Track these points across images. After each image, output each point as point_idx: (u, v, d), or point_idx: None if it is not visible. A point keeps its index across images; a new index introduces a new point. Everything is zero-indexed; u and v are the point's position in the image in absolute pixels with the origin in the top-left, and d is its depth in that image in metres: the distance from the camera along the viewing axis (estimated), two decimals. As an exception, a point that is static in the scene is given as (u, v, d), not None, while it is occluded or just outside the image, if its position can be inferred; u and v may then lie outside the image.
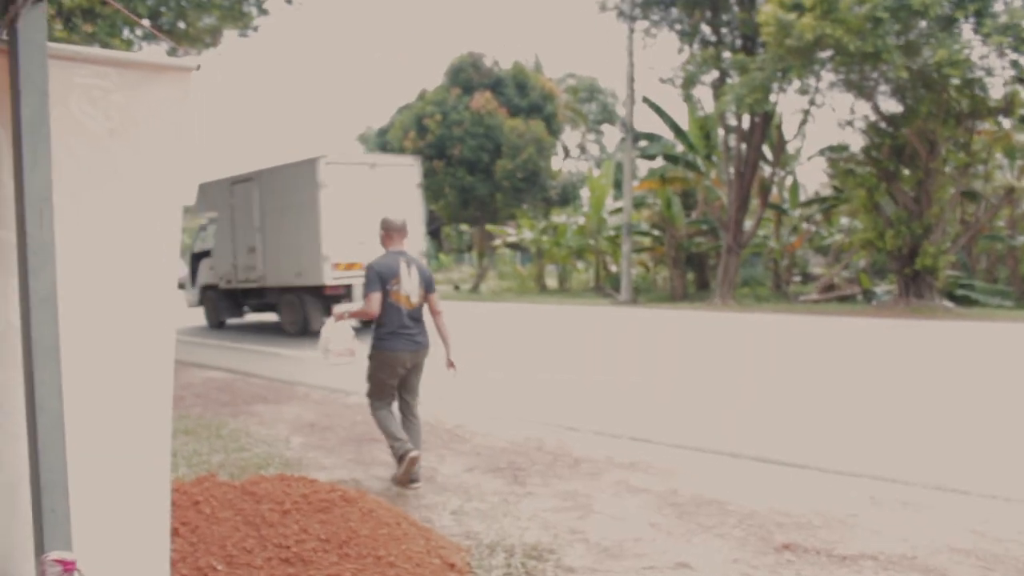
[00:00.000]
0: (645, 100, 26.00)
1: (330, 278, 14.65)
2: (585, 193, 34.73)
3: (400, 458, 5.60)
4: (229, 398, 9.24)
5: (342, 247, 14.56)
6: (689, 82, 22.30)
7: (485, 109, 30.49)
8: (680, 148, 26.11)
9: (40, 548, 1.90)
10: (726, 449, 6.52)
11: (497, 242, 35.07)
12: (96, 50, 2.23)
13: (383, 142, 45.21)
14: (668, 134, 26.59)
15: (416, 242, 15.22)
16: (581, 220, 30.68)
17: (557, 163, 42.81)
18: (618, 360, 12.14)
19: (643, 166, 30.85)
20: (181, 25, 11.52)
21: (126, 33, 10.58)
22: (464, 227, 43.54)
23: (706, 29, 22.01)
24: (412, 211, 15.19)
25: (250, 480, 4.78)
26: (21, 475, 2.02)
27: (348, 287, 14.94)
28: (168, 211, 2.39)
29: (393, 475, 5.79)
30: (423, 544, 4.23)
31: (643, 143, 27.23)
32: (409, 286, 5.60)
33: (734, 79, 19.68)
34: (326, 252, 14.55)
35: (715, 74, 21.90)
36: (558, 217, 32.54)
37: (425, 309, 5.82)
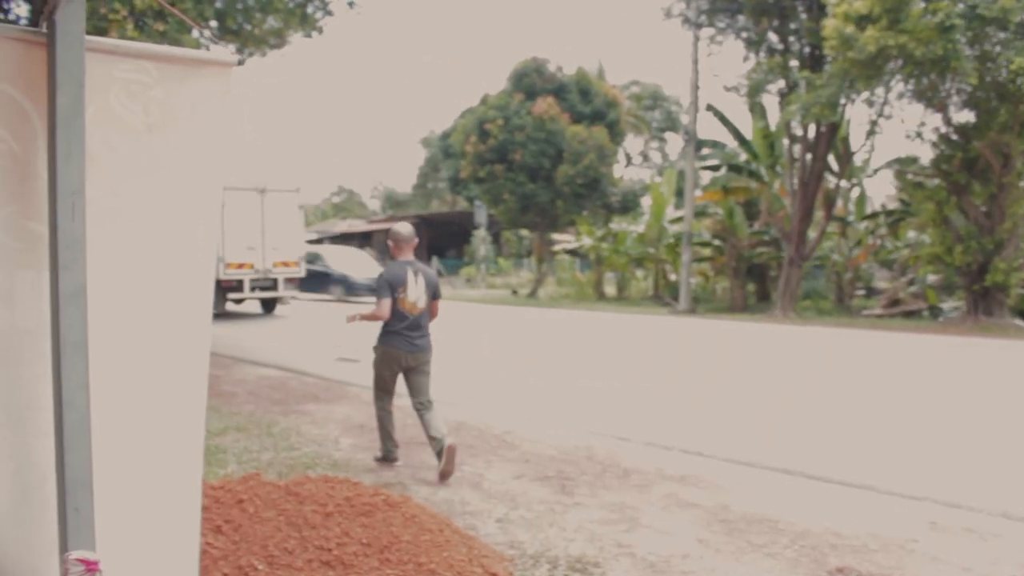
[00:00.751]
0: (709, 108, 25.68)
1: (223, 274, 19.19)
2: (646, 201, 34.42)
3: (385, 456, 6.45)
4: (282, 396, 9.29)
5: (235, 251, 19.44)
6: (754, 91, 21.95)
7: (547, 115, 30.34)
8: (744, 157, 25.71)
9: (64, 547, 1.89)
10: (779, 465, 6.35)
11: (557, 248, 34.95)
12: (136, 44, 2.20)
13: (445, 145, 45.42)
14: (732, 143, 26.22)
15: (296, 251, 20.66)
16: (641, 228, 30.38)
17: (619, 170, 42.57)
18: (673, 370, 11.96)
19: (706, 175, 30.47)
20: (248, 26, 11.66)
21: (195, 33, 10.74)
22: (524, 232, 43.49)
23: (773, 37, 21.63)
24: (293, 228, 20.62)
25: (294, 480, 4.78)
26: (50, 471, 2.01)
27: (239, 281, 19.79)
28: (206, 207, 2.36)
29: (377, 456, 6.52)
30: (465, 552, 4.17)
31: (706, 151, 26.88)
32: (415, 293, 6.11)
33: (801, 89, 19.31)
34: (222, 254, 19.02)
35: (781, 83, 21.50)
36: (618, 224, 32.29)
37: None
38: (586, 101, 32.14)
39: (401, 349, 6.13)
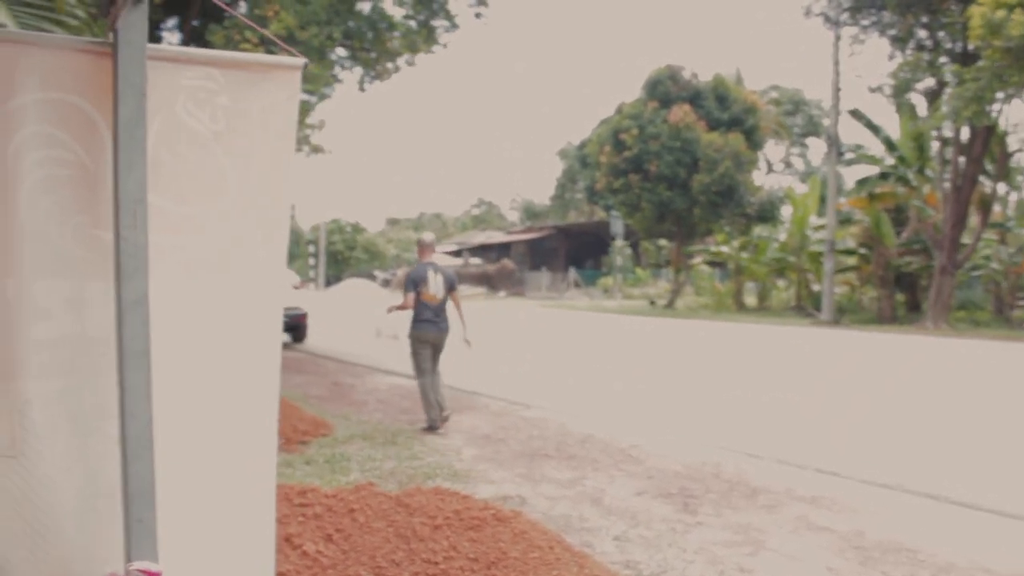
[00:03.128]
0: (852, 112, 24.57)
1: None
2: (787, 209, 33.31)
3: (430, 426, 7.91)
4: (411, 405, 9.37)
5: None
6: (901, 90, 20.86)
7: (683, 122, 29.80)
8: (890, 161, 24.48)
9: (128, 557, 1.88)
10: (923, 489, 5.90)
11: (696, 260, 34.31)
12: (202, 51, 2.20)
13: (582, 156, 45.39)
14: (878, 147, 25.01)
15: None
16: (783, 236, 29.44)
17: (760, 178, 41.44)
18: (812, 384, 11.43)
19: (851, 181, 29.28)
20: (374, 51, 11.91)
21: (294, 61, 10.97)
22: (663, 242, 42.92)
23: (921, 33, 20.49)
24: None
25: (405, 492, 4.76)
26: (120, 480, 2.01)
27: None
28: (275, 213, 2.34)
29: (423, 427, 8.00)
30: (576, 571, 4.03)
31: (850, 156, 25.78)
32: (435, 288, 7.76)
33: (952, 85, 18.20)
34: None
35: (930, 81, 20.34)
36: (759, 233, 31.40)
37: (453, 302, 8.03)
38: (723, 108, 31.41)
39: (430, 331, 7.80)
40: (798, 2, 48.85)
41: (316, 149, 28.30)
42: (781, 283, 31.52)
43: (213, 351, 2.26)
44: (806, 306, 27.13)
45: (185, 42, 12.55)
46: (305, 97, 14.78)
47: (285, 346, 17.52)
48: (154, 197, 2.04)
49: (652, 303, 33.68)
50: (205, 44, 10.71)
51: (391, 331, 8.41)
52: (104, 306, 2.07)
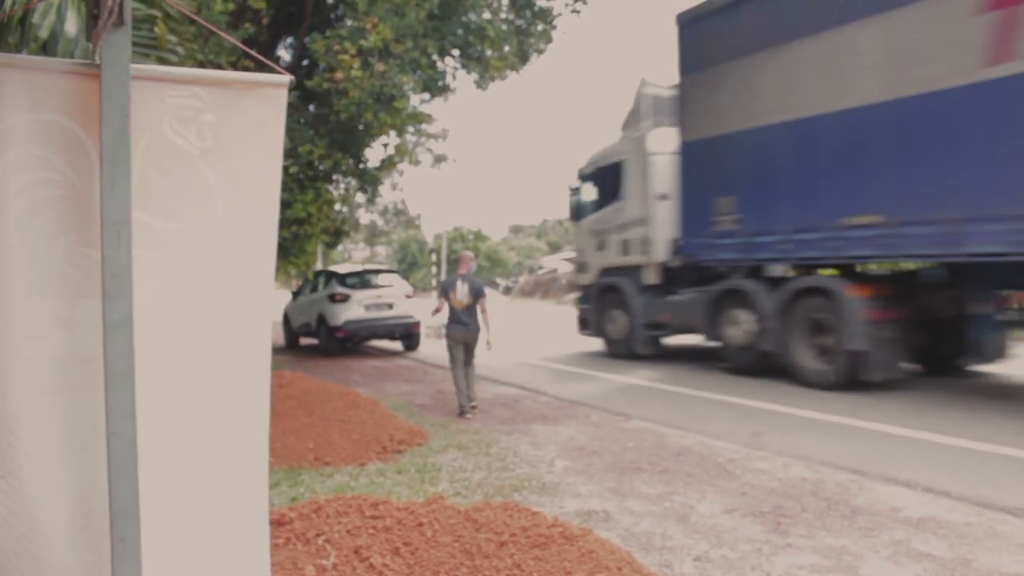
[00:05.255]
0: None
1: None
2: None
3: (461, 410, 9.35)
4: (511, 415, 9.36)
5: None
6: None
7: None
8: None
9: (113, 576, 1.89)
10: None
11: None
12: (188, 69, 2.23)
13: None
14: None
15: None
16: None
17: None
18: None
19: None
20: (486, 54, 11.95)
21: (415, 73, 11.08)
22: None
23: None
24: None
25: (474, 506, 4.71)
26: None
27: None
28: (262, 227, 2.34)
29: (458, 414, 9.39)
30: (645, 593, 3.90)
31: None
32: (460, 295, 9.30)
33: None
34: None
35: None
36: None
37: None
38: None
39: (458, 332, 9.32)
40: None
41: (440, 159, 28.59)
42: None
43: (202, 367, 2.28)
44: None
45: (297, 57, 12.93)
46: (425, 109, 15.08)
47: (396, 354, 17.75)
48: (142, 214, 2.06)
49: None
50: (310, 55, 11.05)
51: (436, 332, 9.68)
52: (94, 324, 2.10)
